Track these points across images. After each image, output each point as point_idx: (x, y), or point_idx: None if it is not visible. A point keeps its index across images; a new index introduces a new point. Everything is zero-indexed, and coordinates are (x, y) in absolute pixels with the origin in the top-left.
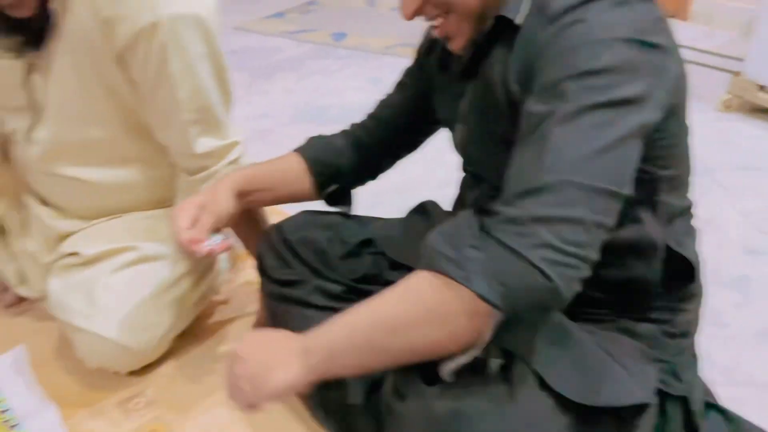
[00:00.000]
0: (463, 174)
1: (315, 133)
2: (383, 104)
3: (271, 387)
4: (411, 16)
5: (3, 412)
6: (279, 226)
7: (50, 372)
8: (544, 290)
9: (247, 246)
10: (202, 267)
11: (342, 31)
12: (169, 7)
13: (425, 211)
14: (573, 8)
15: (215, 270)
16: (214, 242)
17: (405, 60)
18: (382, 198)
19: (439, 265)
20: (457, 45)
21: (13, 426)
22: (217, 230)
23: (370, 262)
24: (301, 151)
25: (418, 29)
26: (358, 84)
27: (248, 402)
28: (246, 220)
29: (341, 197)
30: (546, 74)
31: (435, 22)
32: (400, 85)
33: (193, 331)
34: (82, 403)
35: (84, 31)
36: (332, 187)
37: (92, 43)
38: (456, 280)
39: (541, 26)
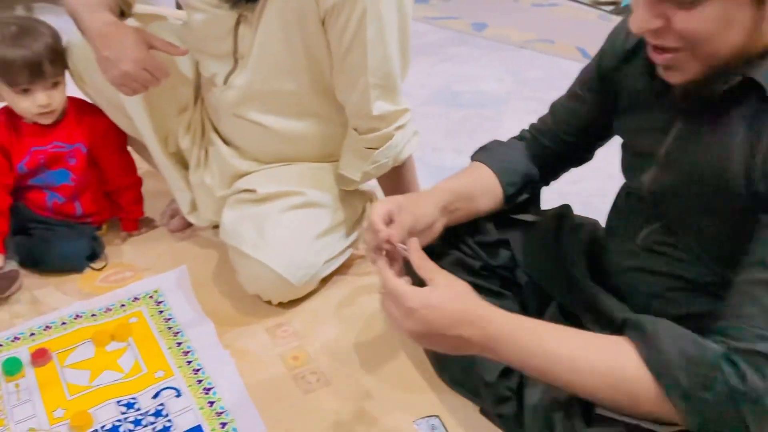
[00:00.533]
0: (630, 195)
1: (446, 116)
2: (555, 115)
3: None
4: (640, 33)
5: (167, 320)
6: None
7: (207, 293)
8: None
9: None
10: (353, 220)
11: (483, 22)
12: None
13: (562, 217)
14: None
15: (362, 226)
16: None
17: (543, 55)
18: None
19: (670, 392)
20: (675, 79)
21: (176, 333)
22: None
23: (507, 258)
24: (485, 161)
25: (558, 27)
26: (494, 74)
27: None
28: (395, 183)
29: (526, 205)
30: None
31: (658, 43)
32: (574, 96)
33: (334, 279)
34: (234, 324)
35: None
36: (523, 196)
37: (302, 2)
38: (673, 404)
39: None
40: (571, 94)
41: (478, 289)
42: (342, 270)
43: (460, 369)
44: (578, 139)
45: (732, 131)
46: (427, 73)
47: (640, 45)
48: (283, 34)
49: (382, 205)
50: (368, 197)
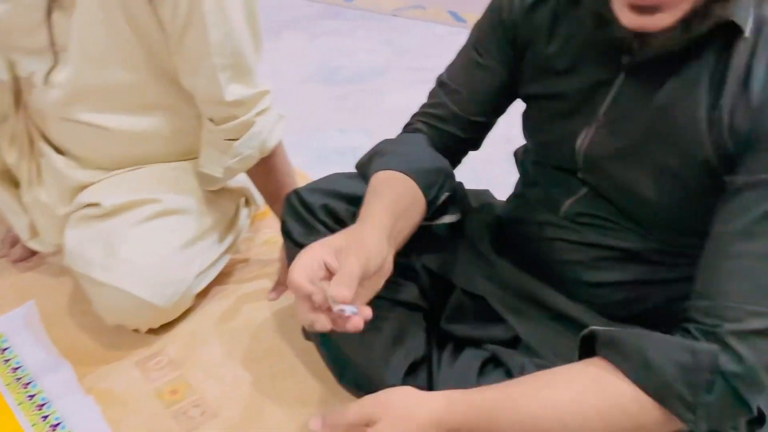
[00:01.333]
0: (545, 162)
1: (326, 94)
2: (454, 95)
3: None
4: None
5: (15, 369)
6: (299, 193)
7: (63, 329)
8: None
9: (267, 201)
10: (225, 223)
11: None
12: None
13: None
14: None
15: (237, 228)
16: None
17: (416, 22)
18: None
19: (677, 408)
20: (661, 22)
21: (27, 384)
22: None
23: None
24: (395, 167)
25: None
26: (370, 46)
27: None
28: (266, 176)
29: (445, 207)
30: None
31: None
32: (475, 66)
33: (213, 291)
34: (97, 362)
35: None
36: (444, 196)
37: None
38: (681, 419)
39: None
40: (471, 64)
41: None
42: (221, 279)
43: (362, 372)
44: (486, 117)
45: (690, 83)
46: (302, 49)
47: (539, 1)
48: (104, 17)
49: (306, 256)
50: (240, 194)
